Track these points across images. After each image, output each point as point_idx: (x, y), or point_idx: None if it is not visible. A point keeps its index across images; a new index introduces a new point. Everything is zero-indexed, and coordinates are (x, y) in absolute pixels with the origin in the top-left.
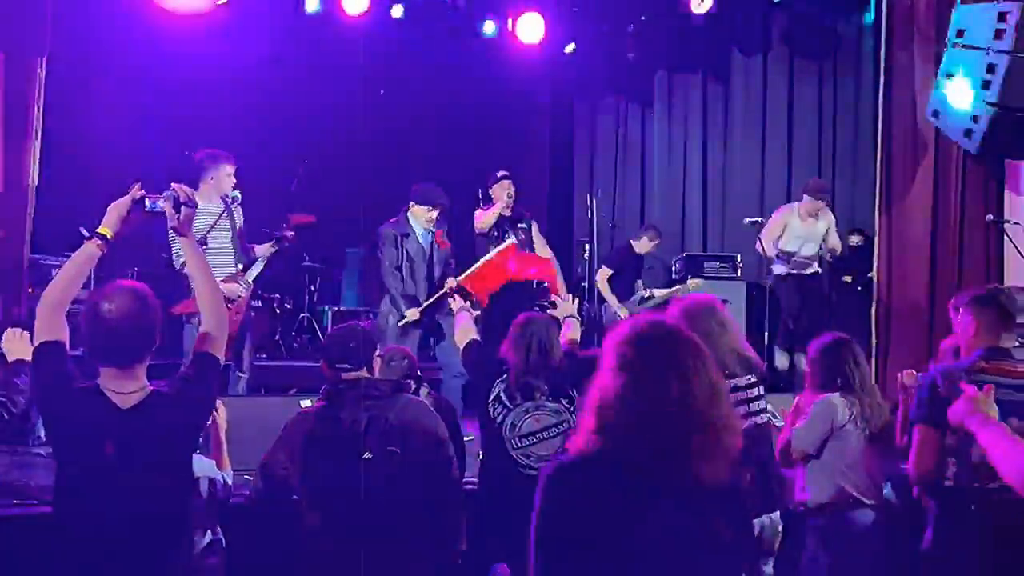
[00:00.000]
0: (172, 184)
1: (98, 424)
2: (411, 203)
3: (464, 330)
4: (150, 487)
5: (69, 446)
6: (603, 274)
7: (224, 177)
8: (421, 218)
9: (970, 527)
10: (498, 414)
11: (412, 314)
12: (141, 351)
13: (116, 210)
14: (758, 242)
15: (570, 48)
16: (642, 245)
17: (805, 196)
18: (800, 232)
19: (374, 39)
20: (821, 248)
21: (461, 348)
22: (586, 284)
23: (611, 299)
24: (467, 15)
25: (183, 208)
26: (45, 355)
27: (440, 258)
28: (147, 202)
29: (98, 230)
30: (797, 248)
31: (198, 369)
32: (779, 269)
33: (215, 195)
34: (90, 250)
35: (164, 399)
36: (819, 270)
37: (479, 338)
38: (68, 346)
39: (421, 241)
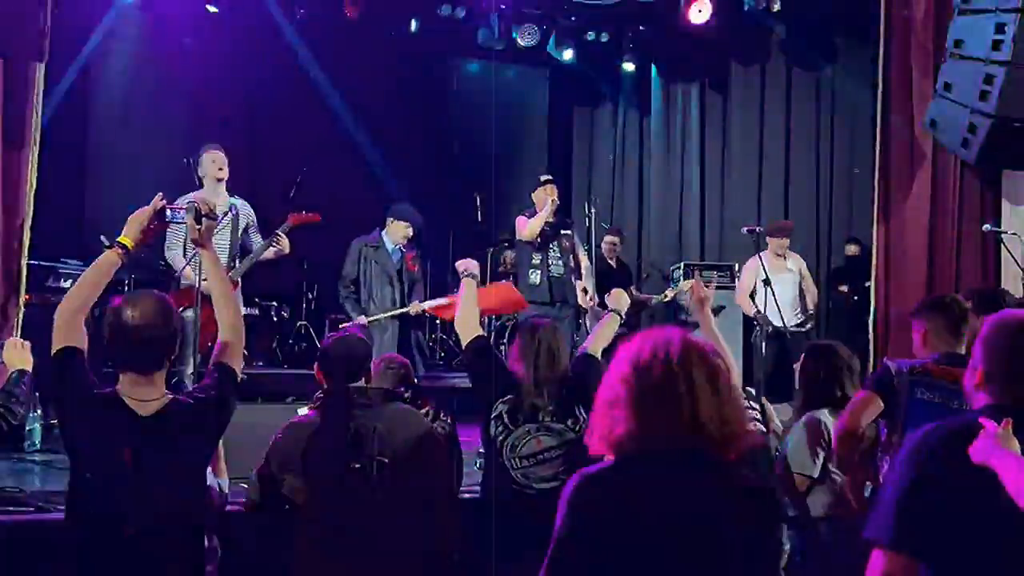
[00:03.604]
0: (193, 196)
1: (117, 431)
2: (389, 219)
3: (468, 313)
4: (166, 495)
5: (86, 453)
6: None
7: (208, 164)
8: (397, 234)
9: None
10: (499, 433)
11: (359, 320)
12: (161, 358)
13: (137, 220)
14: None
15: (568, 55)
16: (607, 249)
17: (768, 239)
18: (772, 278)
19: (371, 46)
20: (803, 298)
21: (464, 340)
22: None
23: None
24: (466, 24)
25: (204, 220)
26: (64, 361)
27: (407, 278)
28: (168, 212)
29: (119, 239)
30: (776, 298)
31: (216, 379)
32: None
33: (213, 192)
34: (111, 259)
35: (183, 408)
36: (808, 326)
37: (483, 333)
38: (86, 353)
39: (390, 255)
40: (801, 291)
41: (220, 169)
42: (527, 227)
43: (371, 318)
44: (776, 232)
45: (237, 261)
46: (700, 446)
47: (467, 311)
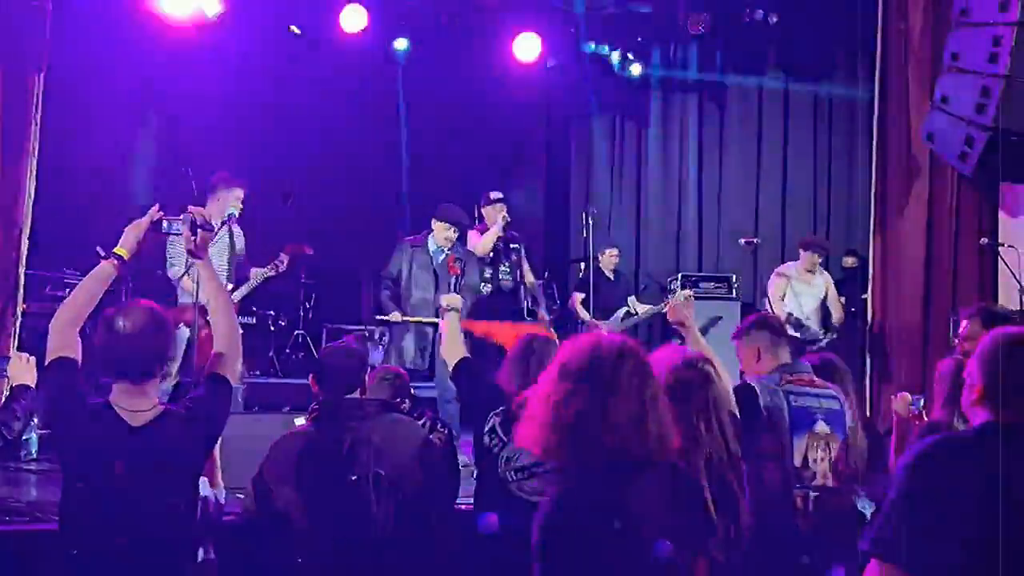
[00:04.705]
0: (189, 207)
1: (108, 442)
2: (433, 220)
3: (452, 342)
4: (157, 505)
5: (78, 463)
6: (576, 298)
7: (233, 200)
8: (440, 236)
9: None
10: (495, 445)
11: (395, 316)
12: (153, 368)
13: (134, 231)
14: (766, 306)
15: (568, 66)
16: (605, 262)
17: (801, 251)
18: (799, 288)
19: (370, 58)
20: (823, 312)
21: (450, 365)
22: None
23: (589, 320)
24: (464, 35)
25: (200, 231)
26: (57, 372)
27: (446, 281)
28: (164, 223)
29: (115, 250)
30: (801, 307)
31: (209, 389)
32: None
33: (217, 216)
34: (106, 270)
35: (175, 418)
36: (823, 342)
37: (469, 355)
38: (80, 363)
39: (432, 256)
40: (825, 309)
41: (238, 202)
42: (480, 242)
43: (407, 319)
44: (810, 246)
45: (233, 275)
46: (621, 450)
47: (451, 339)
